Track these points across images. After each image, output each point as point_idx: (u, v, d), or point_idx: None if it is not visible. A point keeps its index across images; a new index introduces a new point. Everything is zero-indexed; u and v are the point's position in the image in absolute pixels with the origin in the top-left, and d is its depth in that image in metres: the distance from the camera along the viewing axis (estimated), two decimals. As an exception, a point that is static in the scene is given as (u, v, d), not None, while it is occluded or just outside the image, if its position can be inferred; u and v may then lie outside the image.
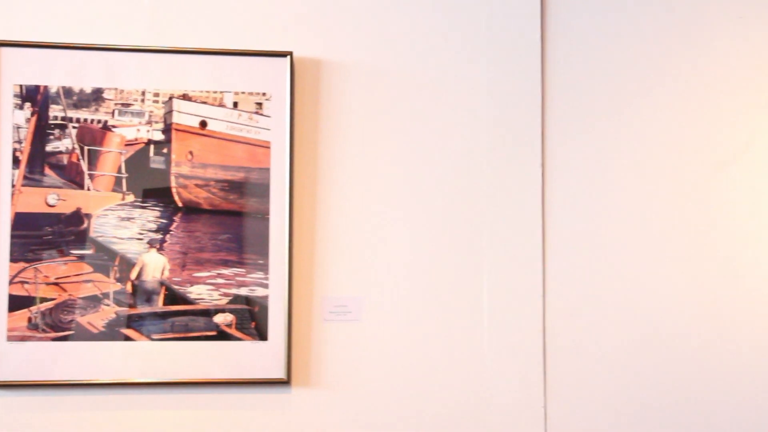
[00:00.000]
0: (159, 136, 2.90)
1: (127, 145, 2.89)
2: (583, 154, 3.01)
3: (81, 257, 2.84)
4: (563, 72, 3.03)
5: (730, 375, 2.97)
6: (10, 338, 2.81)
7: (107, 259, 2.86)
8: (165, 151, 2.90)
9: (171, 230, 2.88)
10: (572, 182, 3.01)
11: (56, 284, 2.83)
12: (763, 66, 3.04)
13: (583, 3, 3.06)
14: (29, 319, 2.82)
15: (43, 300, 2.83)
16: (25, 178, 2.84)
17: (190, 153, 2.91)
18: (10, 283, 2.82)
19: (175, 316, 2.87)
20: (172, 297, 2.87)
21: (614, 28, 3.05)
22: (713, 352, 2.97)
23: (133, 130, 2.90)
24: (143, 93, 2.90)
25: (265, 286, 2.89)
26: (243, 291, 2.89)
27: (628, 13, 3.05)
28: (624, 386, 2.96)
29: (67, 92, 2.88)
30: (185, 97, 2.91)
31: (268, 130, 2.93)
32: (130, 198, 2.88)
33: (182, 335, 2.86)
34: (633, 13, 3.05)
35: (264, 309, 2.89)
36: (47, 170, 2.85)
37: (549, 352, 2.96)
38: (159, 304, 2.86)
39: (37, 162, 2.85)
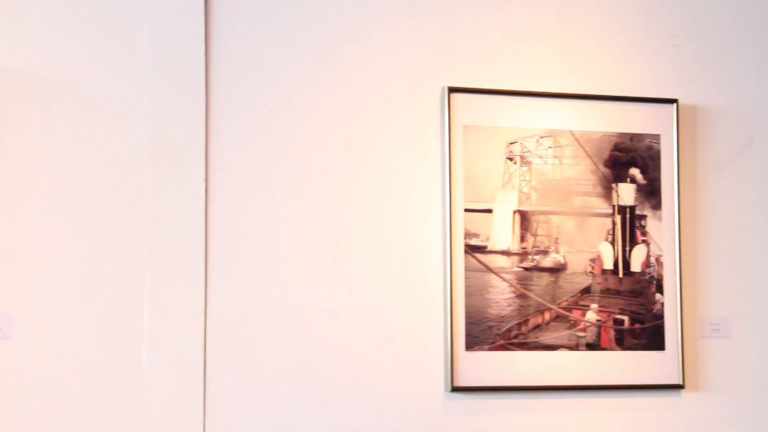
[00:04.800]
0: None
1: None
2: (247, 167, 3.01)
3: None
4: (228, 85, 3.02)
5: (389, 382, 3.06)
6: None
7: None
8: None
9: None
10: (236, 195, 3.00)
11: None
12: (420, 75, 3.17)
13: (247, 16, 3.06)
14: None
15: None
16: None
17: None
18: None
19: None
20: None
21: (278, 43, 3.08)
22: (372, 359, 3.05)
23: None
24: None
25: None
26: None
27: (291, 28, 3.08)
28: (285, 397, 2.97)
29: None
30: None
31: None
32: None
33: None
34: (296, 29, 3.09)
35: None
36: None
37: (210, 366, 2.93)
38: None
39: None
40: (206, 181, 2.97)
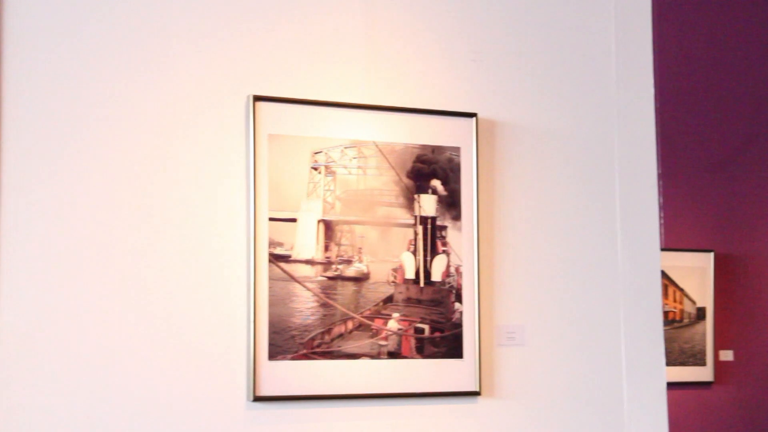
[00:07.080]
0: None
1: None
2: (42, 171, 2.91)
3: None
4: (22, 88, 2.91)
5: (190, 392, 3.02)
6: None
7: None
8: None
9: None
10: (30, 200, 2.89)
11: None
12: (225, 83, 3.14)
13: (43, 16, 2.96)
14: None
15: None
16: None
17: None
18: None
19: None
20: None
21: (76, 44, 2.99)
22: (172, 369, 2.99)
23: None
24: None
25: None
26: None
27: (91, 30, 3.00)
28: (80, 410, 2.89)
29: None
30: None
31: None
32: None
33: None
34: (96, 32, 3.01)
35: None
36: None
37: None
38: None
39: None
40: (-1, 187, 2.88)
